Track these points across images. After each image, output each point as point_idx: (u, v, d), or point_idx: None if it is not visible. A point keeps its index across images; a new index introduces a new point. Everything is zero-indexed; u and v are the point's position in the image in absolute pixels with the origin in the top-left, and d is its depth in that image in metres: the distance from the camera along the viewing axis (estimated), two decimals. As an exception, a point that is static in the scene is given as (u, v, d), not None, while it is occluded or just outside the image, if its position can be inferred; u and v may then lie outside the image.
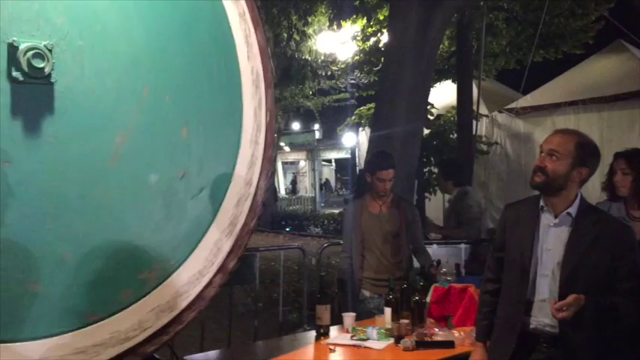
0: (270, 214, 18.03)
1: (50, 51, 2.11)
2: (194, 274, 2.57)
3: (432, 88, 9.26)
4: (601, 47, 10.19)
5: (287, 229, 17.70)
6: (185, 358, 2.95)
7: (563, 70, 10.28)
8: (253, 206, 2.75)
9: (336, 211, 20.35)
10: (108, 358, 2.31)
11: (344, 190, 30.68)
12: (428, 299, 3.55)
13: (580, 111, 8.95)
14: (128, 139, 2.32)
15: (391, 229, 4.04)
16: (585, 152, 2.48)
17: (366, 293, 4.09)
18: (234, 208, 2.71)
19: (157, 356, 2.68)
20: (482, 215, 5.88)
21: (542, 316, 2.47)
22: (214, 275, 2.63)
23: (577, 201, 2.50)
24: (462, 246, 5.26)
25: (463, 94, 9.39)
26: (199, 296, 2.59)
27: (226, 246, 2.67)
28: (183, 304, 2.53)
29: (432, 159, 10.20)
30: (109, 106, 2.28)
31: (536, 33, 9.24)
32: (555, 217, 2.50)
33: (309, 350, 3.18)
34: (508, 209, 2.76)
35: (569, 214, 2.48)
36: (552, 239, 2.49)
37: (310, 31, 11.15)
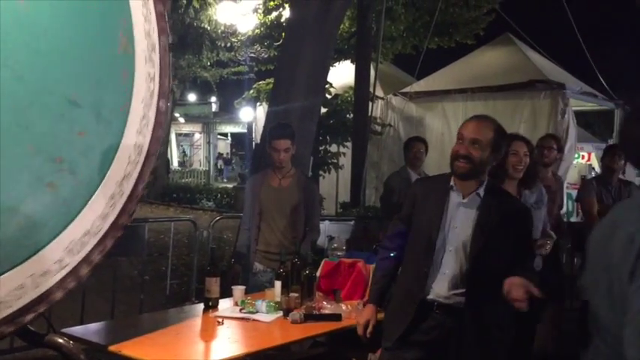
0: (161, 186, 17.48)
1: None
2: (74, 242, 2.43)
3: (331, 67, 9.34)
4: (490, 39, 10.74)
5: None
6: (63, 330, 2.80)
7: (455, 58, 10.74)
8: (142, 175, 2.64)
9: (230, 185, 20.14)
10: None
11: (235, 166, 30.41)
12: (318, 273, 3.60)
13: (468, 99, 9.41)
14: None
15: (289, 203, 4.03)
16: (500, 138, 2.63)
17: (259, 266, 4.07)
18: (119, 180, 2.59)
19: (31, 328, 2.53)
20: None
21: (439, 288, 2.59)
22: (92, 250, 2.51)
23: (484, 182, 2.64)
24: (353, 222, 5.38)
25: (361, 75, 9.55)
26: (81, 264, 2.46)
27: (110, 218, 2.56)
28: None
29: (328, 138, 10.34)
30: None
31: (432, 20, 9.56)
32: (464, 197, 2.62)
33: (197, 322, 3.13)
34: (418, 184, 2.86)
35: (478, 194, 2.61)
36: (460, 217, 2.60)
37: (211, -1, 10.85)
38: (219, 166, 30.28)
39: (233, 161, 31.49)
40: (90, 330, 3.03)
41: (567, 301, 5.51)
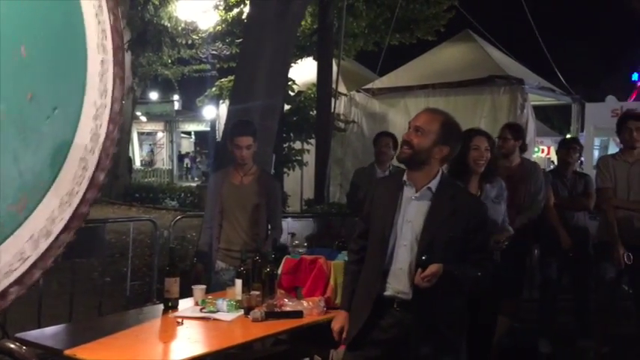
0: (123, 186, 17.19)
1: None
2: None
3: (293, 65, 9.31)
4: (450, 35, 10.86)
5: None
6: (17, 335, 2.73)
7: (417, 54, 10.83)
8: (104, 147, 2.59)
9: (194, 184, 19.95)
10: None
11: (199, 165, 30.12)
12: (279, 271, 3.58)
13: (430, 94, 9.50)
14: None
15: (251, 201, 4.00)
16: (448, 132, 2.63)
17: (222, 264, 4.03)
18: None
19: (-19, 334, 2.45)
20: None
21: (397, 284, 2.58)
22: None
23: (438, 177, 2.64)
24: (315, 219, 5.38)
25: (323, 72, 9.56)
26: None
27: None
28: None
29: (292, 135, 10.32)
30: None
31: (393, 17, 9.62)
32: (416, 191, 2.63)
33: (156, 324, 3.08)
34: (377, 183, 2.90)
35: (429, 188, 2.62)
36: (413, 211, 2.61)
37: (170, -5, 10.73)
38: (185, 165, 29.97)
39: (198, 160, 31.22)
40: (45, 334, 2.95)
41: (526, 291, 5.62)
